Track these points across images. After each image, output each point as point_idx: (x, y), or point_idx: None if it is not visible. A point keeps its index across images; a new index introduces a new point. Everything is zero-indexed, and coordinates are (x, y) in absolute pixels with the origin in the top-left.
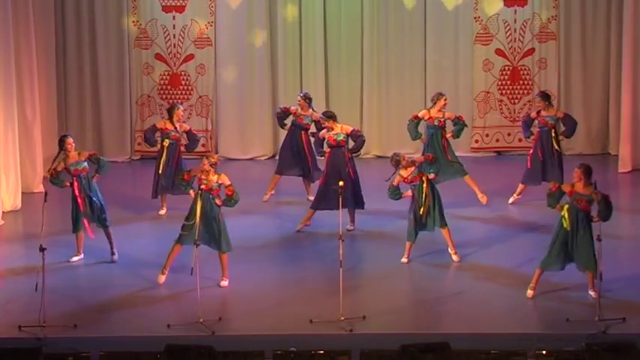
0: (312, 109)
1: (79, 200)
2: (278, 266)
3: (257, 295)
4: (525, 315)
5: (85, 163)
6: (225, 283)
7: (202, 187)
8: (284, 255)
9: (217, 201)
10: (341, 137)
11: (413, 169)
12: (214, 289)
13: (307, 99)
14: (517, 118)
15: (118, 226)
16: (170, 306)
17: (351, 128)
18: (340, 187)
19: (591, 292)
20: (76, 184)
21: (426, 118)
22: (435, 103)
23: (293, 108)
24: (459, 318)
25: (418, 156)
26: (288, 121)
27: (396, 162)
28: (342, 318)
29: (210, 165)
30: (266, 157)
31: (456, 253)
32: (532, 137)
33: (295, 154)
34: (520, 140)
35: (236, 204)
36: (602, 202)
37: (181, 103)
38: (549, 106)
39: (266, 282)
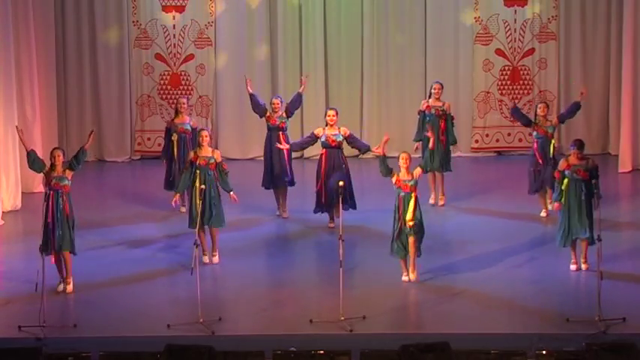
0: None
1: (50, 219)
2: (278, 266)
3: (257, 295)
4: (525, 315)
5: (67, 181)
6: (216, 258)
7: (198, 162)
8: (284, 255)
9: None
10: (340, 139)
11: (411, 177)
12: (214, 289)
13: (281, 99)
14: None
15: (118, 226)
16: (170, 306)
17: (349, 132)
18: (340, 187)
19: (583, 265)
20: (51, 199)
21: (424, 107)
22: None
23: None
24: (459, 318)
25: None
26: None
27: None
28: (342, 318)
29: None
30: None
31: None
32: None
33: (274, 164)
34: (520, 140)
35: (228, 181)
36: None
37: (186, 97)
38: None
39: (266, 282)
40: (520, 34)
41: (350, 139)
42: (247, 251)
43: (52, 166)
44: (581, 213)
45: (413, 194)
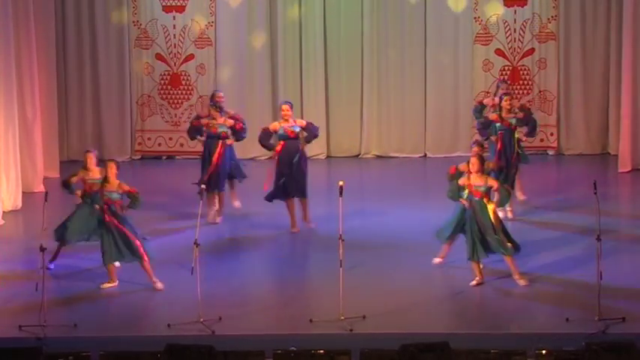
0: (225, 116)
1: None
2: (278, 266)
3: (257, 295)
4: (525, 315)
5: (119, 196)
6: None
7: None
8: (284, 255)
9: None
10: (297, 130)
11: (482, 184)
12: (214, 289)
13: (219, 107)
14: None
15: None
16: (170, 306)
17: (306, 121)
18: (340, 186)
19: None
20: (105, 212)
21: (490, 105)
22: (497, 91)
23: (204, 120)
24: (459, 318)
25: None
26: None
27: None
28: (342, 318)
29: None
30: (265, 157)
31: (521, 278)
32: (492, 138)
33: (214, 167)
34: (519, 140)
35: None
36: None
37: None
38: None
39: (266, 282)
40: (520, 34)
41: (307, 129)
42: (247, 251)
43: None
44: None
45: (485, 201)
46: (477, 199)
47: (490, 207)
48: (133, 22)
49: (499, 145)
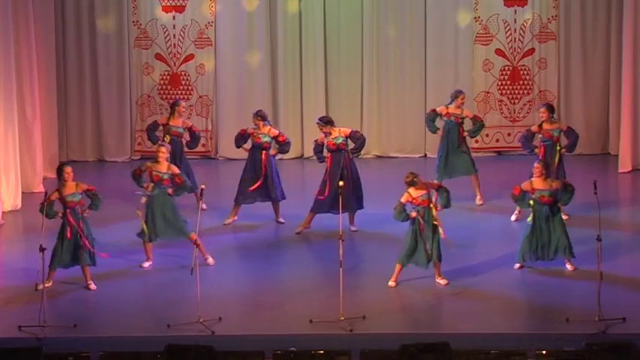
0: (270, 125)
1: (69, 234)
2: (278, 266)
3: (257, 295)
4: (525, 315)
5: (80, 196)
6: (211, 260)
7: (154, 178)
8: (284, 255)
9: (169, 191)
10: (340, 140)
11: (424, 192)
12: (214, 289)
13: (261, 117)
14: (517, 118)
15: (118, 226)
16: (170, 306)
17: (350, 130)
18: (340, 187)
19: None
20: (69, 216)
21: (444, 113)
22: (453, 100)
23: (250, 129)
24: (459, 318)
25: (433, 181)
26: (248, 145)
27: (411, 182)
28: (342, 318)
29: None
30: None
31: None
32: (536, 150)
33: (256, 179)
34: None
35: (185, 191)
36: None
37: (183, 99)
38: (552, 119)
39: (266, 282)
40: (520, 34)
41: (352, 138)
42: (247, 251)
43: (63, 182)
44: (550, 234)
45: (431, 206)
46: (424, 207)
47: (434, 212)
48: (133, 22)
49: (541, 158)
